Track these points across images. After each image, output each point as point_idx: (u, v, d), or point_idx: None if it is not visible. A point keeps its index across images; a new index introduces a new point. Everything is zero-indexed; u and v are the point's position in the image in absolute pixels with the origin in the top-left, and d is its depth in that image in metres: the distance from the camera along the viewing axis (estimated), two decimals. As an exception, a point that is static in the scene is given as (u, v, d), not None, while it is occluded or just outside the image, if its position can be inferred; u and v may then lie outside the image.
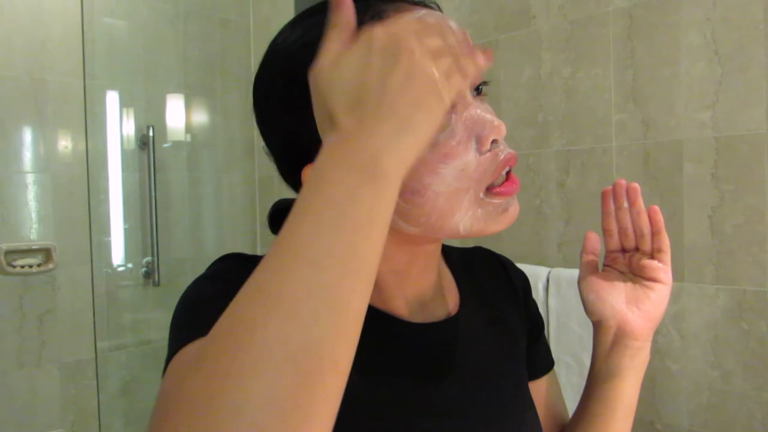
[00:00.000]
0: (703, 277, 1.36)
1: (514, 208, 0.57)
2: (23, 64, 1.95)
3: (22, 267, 1.90)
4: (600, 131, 1.52)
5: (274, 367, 0.34)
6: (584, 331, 1.46)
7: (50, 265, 1.95)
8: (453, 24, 0.50)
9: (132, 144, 2.19)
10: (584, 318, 1.56)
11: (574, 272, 1.53)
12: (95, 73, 2.03)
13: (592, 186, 1.53)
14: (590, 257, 0.70)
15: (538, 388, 0.72)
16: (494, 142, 0.53)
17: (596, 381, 0.67)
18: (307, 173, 0.52)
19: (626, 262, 0.68)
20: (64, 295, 2.01)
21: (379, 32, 0.43)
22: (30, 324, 1.96)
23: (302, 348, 0.35)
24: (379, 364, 0.58)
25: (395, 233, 0.56)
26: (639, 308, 0.65)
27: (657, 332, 1.43)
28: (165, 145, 2.25)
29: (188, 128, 2.34)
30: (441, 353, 0.61)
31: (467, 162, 0.52)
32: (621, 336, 0.66)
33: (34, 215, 1.98)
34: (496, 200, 0.54)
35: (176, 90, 2.31)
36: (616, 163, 1.49)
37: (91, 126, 2.02)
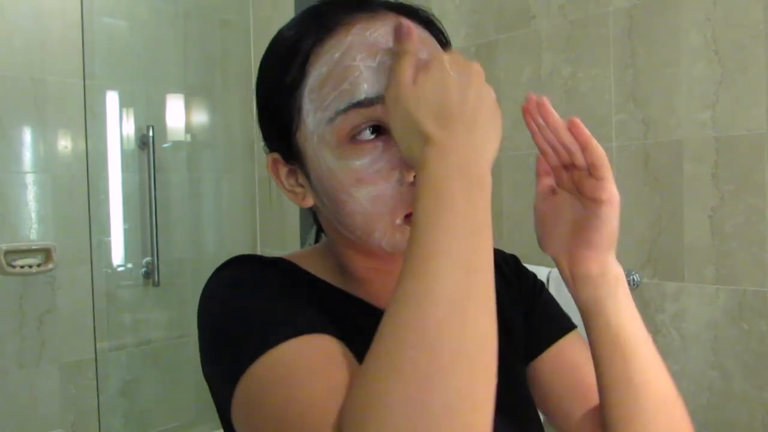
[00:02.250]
0: (703, 277, 1.36)
1: None
2: (23, 64, 1.95)
3: (22, 267, 1.90)
4: (600, 131, 1.52)
5: (467, 365, 0.40)
6: (584, 330, 1.46)
7: (50, 265, 1.95)
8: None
9: (132, 144, 2.19)
10: (584, 318, 1.56)
11: (574, 272, 1.53)
12: (95, 73, 2.03)
13: (592, 186, 1.53)
14: (544, 182, 0.65)
15: (554, 357, 0.69)
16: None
17: (585, 323, 0.63)
18: (270, 161, 0.61)
19: (570, 180, 0.62)
20: (64, 296, 2.01)
21: (448, 57, 0.50)
22: (30, 324, 1.96)
23: (478, 345, 0.41)
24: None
25: None
26: (584, 238, 0.60)
27: (657, 332, 1.44)
28: (165, 145, 2.25)
29: (188, 128, 2.34)
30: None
31: (381, 190, 0.54)
32: (575, 271, 0.61)
33: (34, 215, 1.98)
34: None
35: (176, 90, 2.31)
36: (616, 163, 1.49)
37: (90, 126, 2.02)
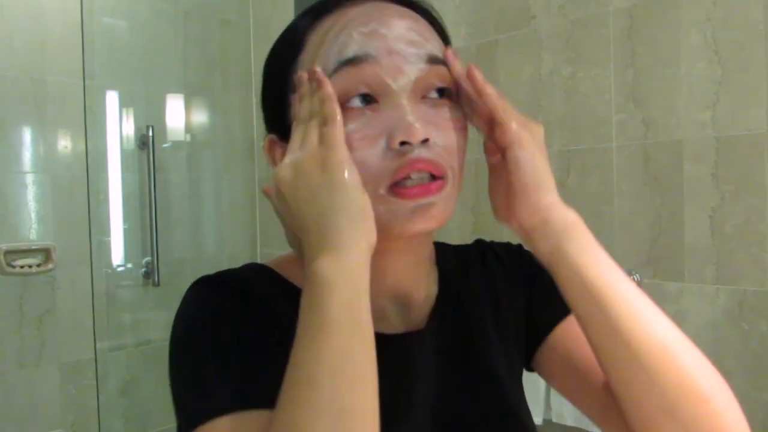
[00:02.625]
0: (703, 277, 1.36)
1: (429, 213, 0.54)
2: (23, 64, 1.95)
3: (22, 267, 1.90)
4: (600, 131, 1.52)
5: None
6: (584, 331, 1.46)
7: (50, 265, 1.95)
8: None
9: (132, 144, 2.19)
10: (584, 318, 1.55)
11: (574, 272, 1.53)
12: (95, 73, 2.03)
13: (592, 186, 1.53)
14: (492, 159, 0.60)
15: (559, 339, 0.65)
16: (405, 144, 0.53)
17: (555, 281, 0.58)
18: (267, 143, 0.62)
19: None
20: (64, 296, 2.01)
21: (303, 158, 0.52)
22: (30, 324, 1.96)
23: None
24: None
25: None
26: (510, 192, 0.57)
27: (657, 332, 1.44)
28: (165, 145, 2.25)
29: (188, 128, 2.34)
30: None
31: (366, 156, 0.53)
32: (521, 227, 0.57)
33: (33, 215, 1.98)
34: (398, 200, 0.53)
35: (176, 90, 2.31)
36: (616, 163, 1.49)
37: (90, 126, 2.02)
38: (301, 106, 0.55)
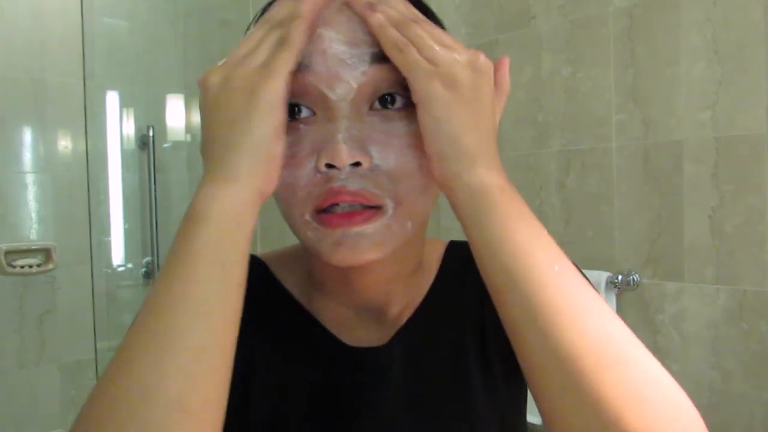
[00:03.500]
0: (703, 277, 1.36)
1: (354, 247, 0.47)
2: (23, 64, 1.95)
3: (22, 267, 1.90)
4: (600, 131, 1.52)
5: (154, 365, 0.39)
6: (584, 331, 1.46)
7: (50, 265, 1.95)
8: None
9: (132, 144, 2.19)
10: (584, 318, 1.56)
11: (574, 272, 1.53)
12: (95, 73, 2.03)
13: (592, 186, 1.53)
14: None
15: None
16: (332, 167, 0.46)
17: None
18: None
19: None
20: (64, 295, 2.01)
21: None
22: (30, 324, 1.96)
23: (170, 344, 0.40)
24: (293, 375, 0.57)
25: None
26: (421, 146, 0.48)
27: (657, 332, 1.44)
28: (165, 146, 2.25)
29: (188, 128, 2.33)
30: (341, 385, 0.55)
31: (292, 178, 0.48)
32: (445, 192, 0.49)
33: (34, 215, 1.98)
34: (322, 227, 0.48)
35: (176, 90, 2.31)
36: (616, 163, 1.49)
37: (91, 126, 2.02)
38: (280, 7, 0.47)
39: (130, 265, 2.20)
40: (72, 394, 2.04)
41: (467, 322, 0.59)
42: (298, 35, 0.45)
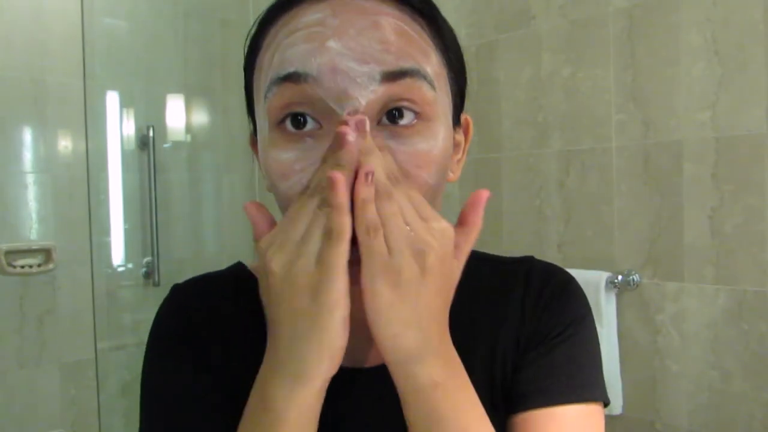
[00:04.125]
0: (703, 277, 1.36)
1: (358, 275, 0.45)
2: (23, 65, 1.95)
3: (22, 267, 1.90)
4: (600, 131, 1.52)
5: None
6: (584, 331, 1.46)
7: (50, 266, 1.95)
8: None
9: (132, 144, 2.19)
10: (584, 318, 1.55)
11: (575, 272, 1.52)
12: (95, 73, 2.03)
13: (592, 186, 1.53)
14: None
15: (512, 424, 0.55)
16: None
17: None
18: (250, 140, 0.60)
19: None
20: (64, 296, 2.01)
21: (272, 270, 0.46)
22: (30, 324, 1.96)
23: None
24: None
25: None
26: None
27: (657, 332, 1.44)
28: (165, 146, 2.25)
29: (188, 128, 2.34)
30: (335, 408, 0.51)
31: (294, 194, 0.49)
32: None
33: (34, 215, 1.98)
34: None
35: (176, 90, 2.31)
36: (616, 163, 1.49)
37: (91, 126, 2.02)
38: (320, 167, 0.46)
39: (130, 265, 2.20)
40: (72, 394, 2.04)
41: (474, 346, 0.58)
42: (344, 227, 0.43)
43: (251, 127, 0.60)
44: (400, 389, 0.47)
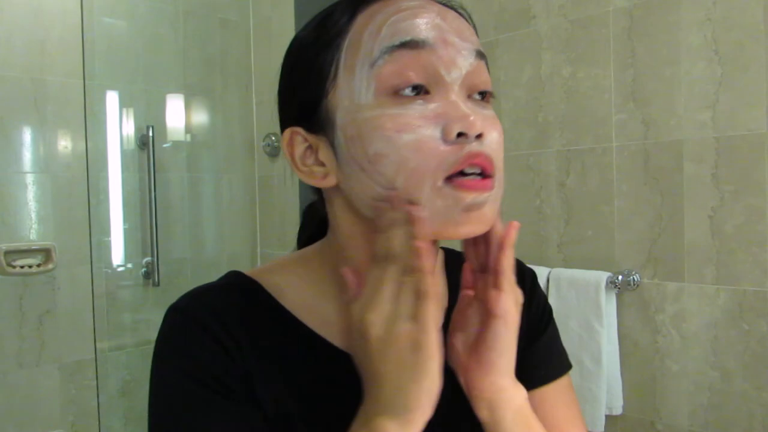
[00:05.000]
0: (703, 277, 1.36)
1: (481, 212, 0.53)
2: (23, 64, 1.95)
3: (22, 267, 1.90)
4: (600, 131, 1.52)
5: None
6: (584, 331, 1.46)
7: (50, 266, 1.95)
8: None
9: (132, 144, 2.19)
10: (584, 319, 1.56)
11: (575, 272, 1.53)
12: (95, 73, 2.03)
13: (592, 186, 1.53)
14: (464, 294, 0.59)
15: (534, 403, 0.61)
16: (462, 135, 0.51)
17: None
18: (288, 136, 0.58)
19: (480, 286, 0.58)
20: (64, 295, 2.01)
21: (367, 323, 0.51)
22: (30, 324, 1.96)
23: None
24: (314, 392, 0.58)
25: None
26: (476, 354, 0.56)
27: (657, 332, 1.44)
28: (165, 145, 2.25)
29: (188, 128, 2.34)
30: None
31: (424, 140, 0.51)
32: (469, 388, 0.57)
33: (33, 215, 1.98)
34: (456, 192, 0.51)
35: (176, 90, 2.31)
36: (616, 163, 1.49)
37: (90, 126, 2.02)
38: (389, 241, 0.52)
39: (130, 265, 2.20)
40: (72, 394, 2.04)
41: None
42: (430, 288, 0.50)
43: (290, 123, 0.59)
44: (499, 415, 0.55)
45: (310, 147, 0.57)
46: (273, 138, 2.28)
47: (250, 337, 0.57)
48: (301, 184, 2.45)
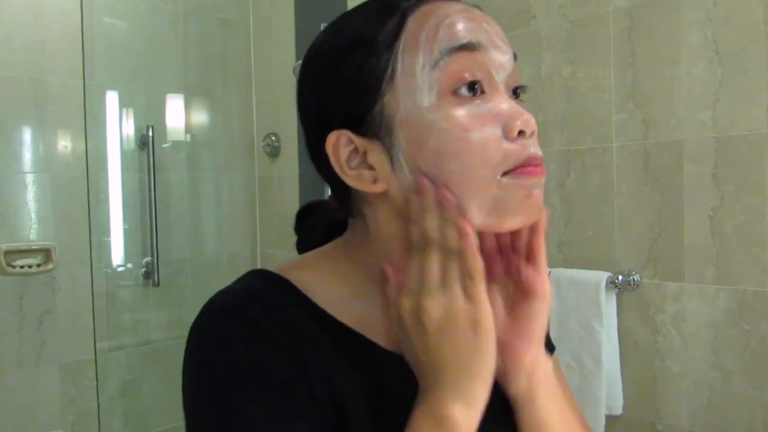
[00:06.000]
0: (703, 277, 1.36)
1: (538, 196, 0.56)
2: (23, 65, 1.95)
3: (22, 267, 1.90)
4: (600, 131, 1.52)
5: None
6: (584, 331, 1.46)
7: (50, 266, 1.95)
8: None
9: (132, 144, 2.19)
10: (584, 318, 1.56)
11: (575, 272, 1.53)
12: (95, 73, 2.03)
13: (592, 186, 1.53)
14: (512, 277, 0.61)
15: None
16: (521, 133, 0.54)
17: (516, 412, 0.60)
18: (334, 138, 0.56)
19: (504, 265, 0.60)
20: (64, 296, 2.01)
21: (454, 312, 0.52)
22: (30, 324, 1.96)
23: None
24: (357, 392, 0.56)
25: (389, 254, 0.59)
26: (519, 330, 0.58)
27: (657, 332, 1.44)
28: (165, 145, 2.25)
29: (188, 128, 2.34)
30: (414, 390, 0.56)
31: (487, 138, 0.53)
32: (508, 363, 0.58)
33: (33, 215, 1.98)
34: (519, 179, 0.54)
35: (176, 90, 2.31)
36: (616, 163, 1.49)
37: (90, 126, 2.02)
38: (426, 224, 0.54)
39: (129, 265, 2.20)
40: (72, 394, 2.04)
41: None
42: (478, 265, 0.53)
43: (333, 126, 0.57)
44: (535, 382, 0.58)
45: (355, 150, 0.56)
46: (273, 138, 2.28)
47: (299, 336, 0.55)
48: (301, 184, 2.44)
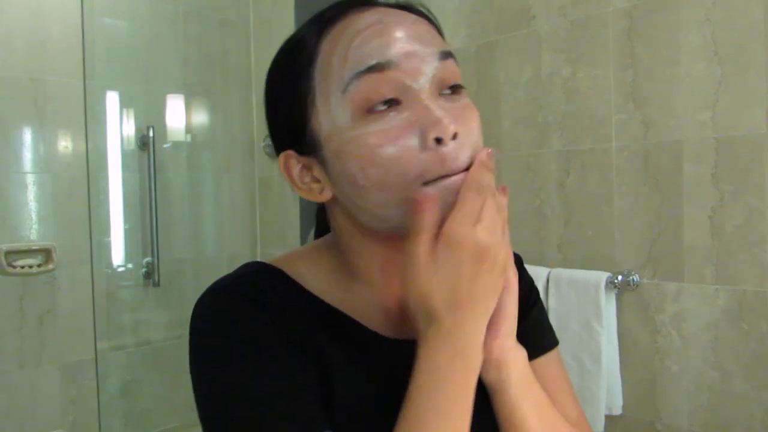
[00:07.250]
0: (703, 277, 1.36)
1: None
2: (23, 65, 1.95)
3: (22, 267, 1.90)
4: (600, 131, 1.52)
5: None
6: (584, 331, 1.46)
7: (50, 266, 1.95)
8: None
9: (132, 144, 2.19)
10: (584, 318, 1.56)
11: (575, 273, 1.53)
12: (95, 74, 2.03)
13: (592, 186, 1.53)
14: None
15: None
16: (439, 141, 0.54)
17: (491, 400, 0.63)
18: (283, 160, 0.62)
19: None
20: (64, 296, 2.01)
21: (466, 237, 0.53)
22: (30, 324, 1.96)
23: None
24: (352, 376, 0.60)
25: (369, 242, 0.62)
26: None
27: (657, 332, 1.44)
28: (165, 146, 2.25)
29: (188, 128, 2.34)
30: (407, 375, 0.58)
31: (400, 152, 0.54)
32: None
33: (34, 215, 1.98)
34: (438, 187, 0.54)
35: (176, 90, 2.31)
36: (616, 164, 1.49)
37: (91, 126, 2.02)
38: (489, 180, 0.56)
39: (130, 266, 2.20)
40: (72, 394, 2.04)
41: None
42: (505, 203, 0.57)
43: (283, 147, 0.62)
44: (506, 372, 0.61)
45: (304, 167, 0.61)
46: (273, 138, 2.28)
47: (289, 312, 0.60)
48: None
